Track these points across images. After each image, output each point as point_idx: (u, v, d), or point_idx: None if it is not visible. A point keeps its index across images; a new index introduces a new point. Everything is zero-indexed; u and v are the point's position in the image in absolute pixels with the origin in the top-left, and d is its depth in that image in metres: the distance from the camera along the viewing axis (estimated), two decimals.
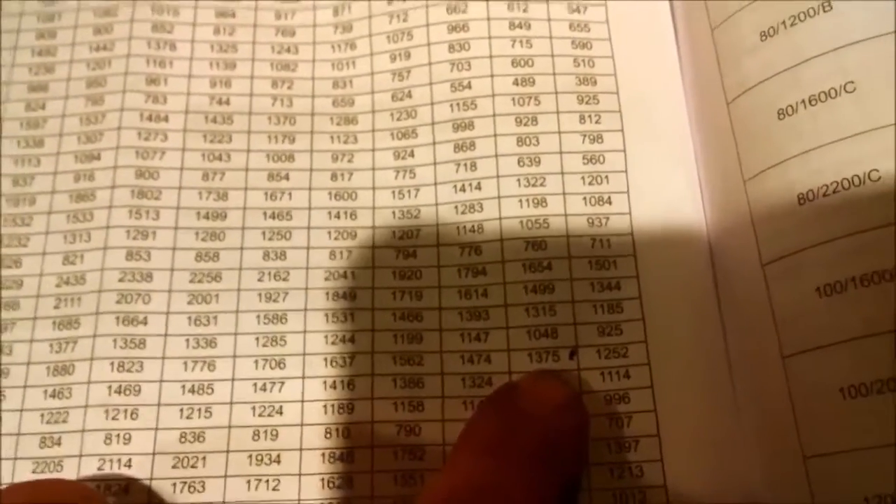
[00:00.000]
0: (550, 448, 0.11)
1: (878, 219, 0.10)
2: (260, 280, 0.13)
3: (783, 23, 0.12)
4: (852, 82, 0.11)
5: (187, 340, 0.13)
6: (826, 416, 0.11)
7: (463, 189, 0.14)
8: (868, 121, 0.11)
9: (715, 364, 0.13)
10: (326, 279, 0.13)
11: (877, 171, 0.11)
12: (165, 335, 0.13)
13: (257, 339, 0.13)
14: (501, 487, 0.10)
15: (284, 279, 0.13)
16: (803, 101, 0.11)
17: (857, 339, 0.10)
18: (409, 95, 0.15)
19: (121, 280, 0.13)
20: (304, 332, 0.13)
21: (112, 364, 0.13)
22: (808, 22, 0.12)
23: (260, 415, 0.13)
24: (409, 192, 0.14)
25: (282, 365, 0.13)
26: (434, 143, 0.14)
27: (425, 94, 0.15)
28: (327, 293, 0.13)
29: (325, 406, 0.13)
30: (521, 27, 0.15)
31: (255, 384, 0.13)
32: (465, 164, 0.14)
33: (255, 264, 0.14)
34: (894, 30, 0.11)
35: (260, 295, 0.13)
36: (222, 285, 0.13)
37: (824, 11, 0.12)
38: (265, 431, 0.12)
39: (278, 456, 0.12)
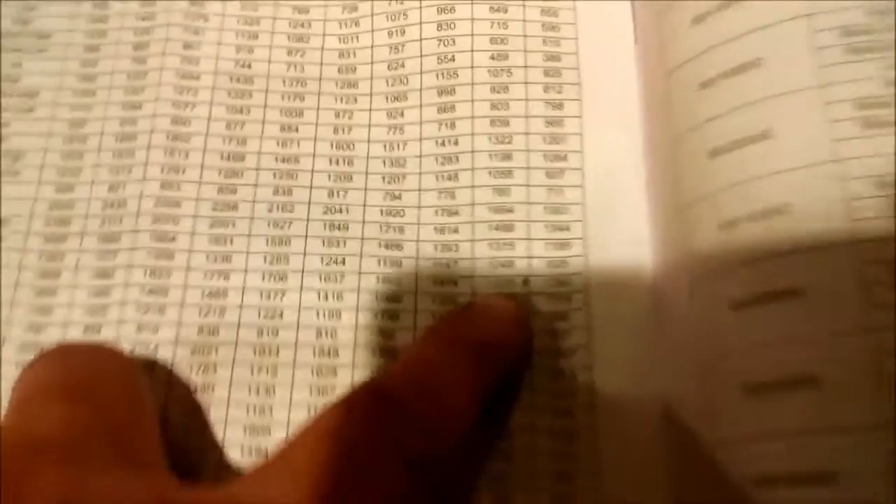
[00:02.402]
0: (495, 345, 0.14)
1: (788, 246, 0.12)
2: (269, 211, 0.16)
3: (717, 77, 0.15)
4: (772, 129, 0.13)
5: (207, 256, 0.16)
6: (731, 408, 0.13)
7: (443, 144, 0.17)
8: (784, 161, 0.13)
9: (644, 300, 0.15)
10: (325, 213, 0.16)
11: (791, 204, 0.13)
12: (190, 251, 0.16)
13: (265, 257, 0.16)
14: (451, 367, 0.13)
15: (290, 211, 0.16)
16: (731, 143, 0.13)
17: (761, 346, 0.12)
18: (402, 66, 0.17)
19: (155, 206, 0.16)
20: (304, 253, 0.16)
21: (145, 271, 0.16)
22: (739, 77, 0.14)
23: (264, 317, 0.15)
24: (398, 145, 0.17)
25: (284, 279, 0.16)
26: (421, 106, 0.17)
27: (416, 64, 0.17)
28: (325, 224, 0.16)
29: (317, 312, 0.15)
30: (499, 11, 0.17)
31: (260, 293, 0.15)
32: (446, 124, 0.17)
33: (266, 199, 0.16)
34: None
35: (269, 223, 0.16)
36: (238, 214, 0.16)
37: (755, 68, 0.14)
38: (267, 329, 0.15)
39: (277, 349, 0.15)
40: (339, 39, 0.18)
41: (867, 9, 0.13)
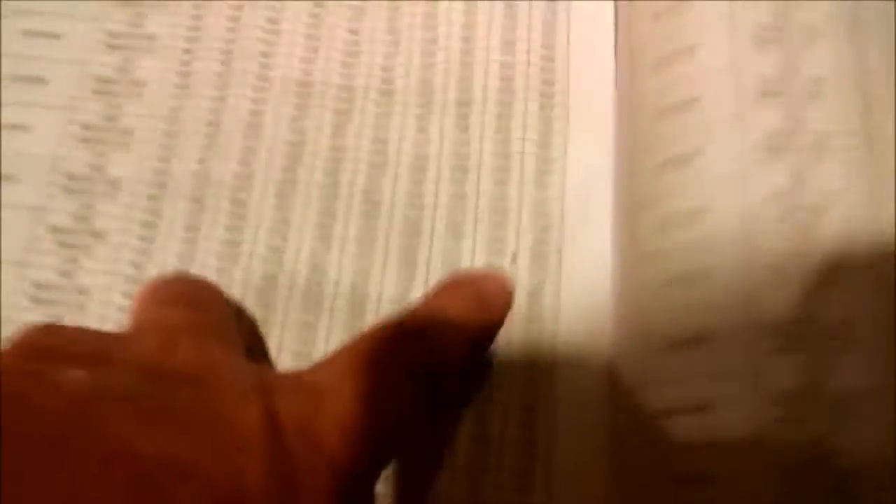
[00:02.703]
0: (489, 301, 0.18)
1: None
2: (321, 189, 0.21)
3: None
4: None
5: (271, 220, 0.21)
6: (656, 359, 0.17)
7: (463, 144, 0.21)
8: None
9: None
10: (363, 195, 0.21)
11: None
12: (258, 215, 0.21)
13: (316, 224, 0.21)
14: (454, 312, 0.17)
15: (335, 189, 0.21)
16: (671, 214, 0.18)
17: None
18: (432, 80, 0.22)
19: (233, 179, 0.21)
20: (345, 224, 0.21)
21: (225, 228, 0.20)
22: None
23: (311, 270, 0.20)
24: (425, 141, 0.21)
25: (329, 241, 0.20)
26: (444, 112, 0.22)
27: (442, 79, 0.22)
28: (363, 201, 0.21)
29: (352, 271, 0.20)
30: (509, 44, 0.22)
31: (310, 251, 0.20)
32: (461, 126, 0.21)
33: (318, 180, 0.21)
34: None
35: (319, 199, 0.21)
36: (296, 190, 0.21)
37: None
38: (314, 280, 0.20)
39: (321, 296, 0.20)
40: (383, 57, 0.22)
41: None
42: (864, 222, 0.16)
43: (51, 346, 0.13)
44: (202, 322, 0.16)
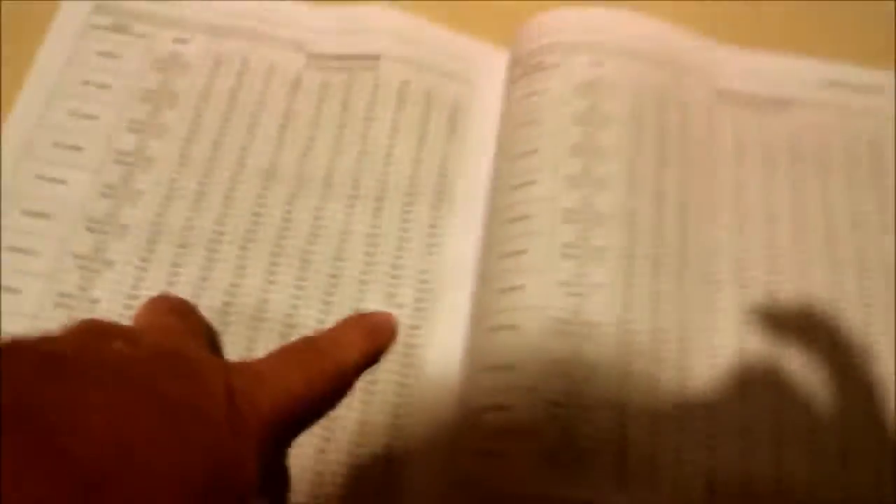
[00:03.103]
0: (380, 331, 0.27)
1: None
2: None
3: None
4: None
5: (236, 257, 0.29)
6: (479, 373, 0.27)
7: (377, 225, 0.30)
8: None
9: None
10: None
11: (514, 323, 0.27)
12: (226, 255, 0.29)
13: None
14: (352, 336, 0.26)
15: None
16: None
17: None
18: (359, 179, 0.31)
19: (247, 228, 0.30)
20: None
21: (199, 265, 0.29)
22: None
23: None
24: (351, 220, 0.31)
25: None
26: (365, 202, 0.31)
27: (367, 179, 0.31)
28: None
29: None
30: (415, 158, 0.32)
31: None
32: (377, 213, 0.31)
33: (272, 240, 0.30)
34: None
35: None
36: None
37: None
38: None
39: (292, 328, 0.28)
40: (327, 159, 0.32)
41: None
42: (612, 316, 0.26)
43: (100, 327, 0.21)
44: (186, 326, 0.24)
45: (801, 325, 0.29)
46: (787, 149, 0.33)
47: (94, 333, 0.21)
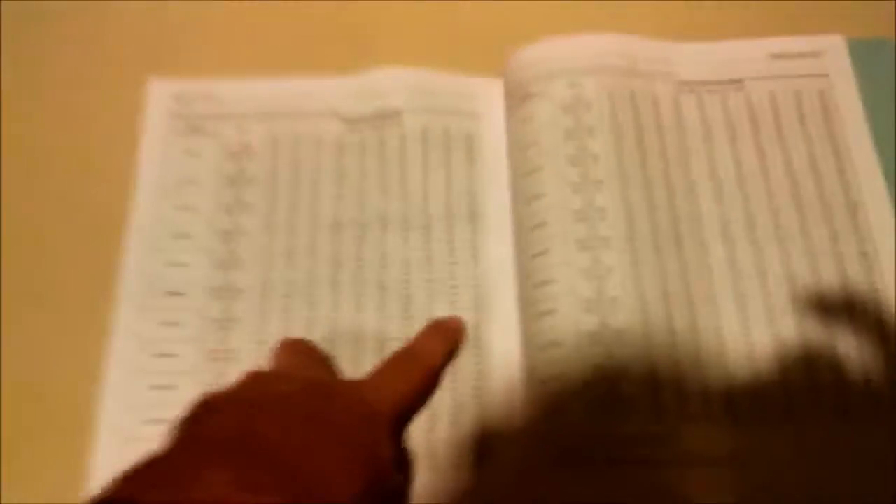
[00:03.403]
0: (454, 334, 0.35)
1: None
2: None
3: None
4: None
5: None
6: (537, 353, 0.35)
7: (428, 249, 0.38)
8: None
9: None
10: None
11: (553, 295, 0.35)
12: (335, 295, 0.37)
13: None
14: (433, 341, 0.34)
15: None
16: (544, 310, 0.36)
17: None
18: (407, 214, 0.39)
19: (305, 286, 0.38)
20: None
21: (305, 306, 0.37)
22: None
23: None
24: (409, 248, 0.39)
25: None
26: (418, 231, 0.39)
27: (416, 213, 0.39)
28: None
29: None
30: (447, 189, 0.40)
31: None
32: (426, 238, 0.39)
33: (351, 280, 0.38)
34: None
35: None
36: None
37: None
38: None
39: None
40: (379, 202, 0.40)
41: None
42: (630, 290, 0.34)
43: (264, 376, 0.29)
44: (313, 360, 0.32)
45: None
46: (748, 120, 0.40)
47: (262, 381, 0.29)
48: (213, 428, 0.25)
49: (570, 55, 0.40)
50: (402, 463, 0.33)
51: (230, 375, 0.35)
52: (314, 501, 0.22)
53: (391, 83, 0.42)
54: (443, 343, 0.35)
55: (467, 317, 0.37)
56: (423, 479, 0.33)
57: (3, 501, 0.32)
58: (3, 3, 0.45)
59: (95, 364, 0.36)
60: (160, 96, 0.42)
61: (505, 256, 0.38)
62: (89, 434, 0.35)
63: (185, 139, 0.41)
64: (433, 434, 0.34)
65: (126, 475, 0.21)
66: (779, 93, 0.41)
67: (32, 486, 0.31)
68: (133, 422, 0.34)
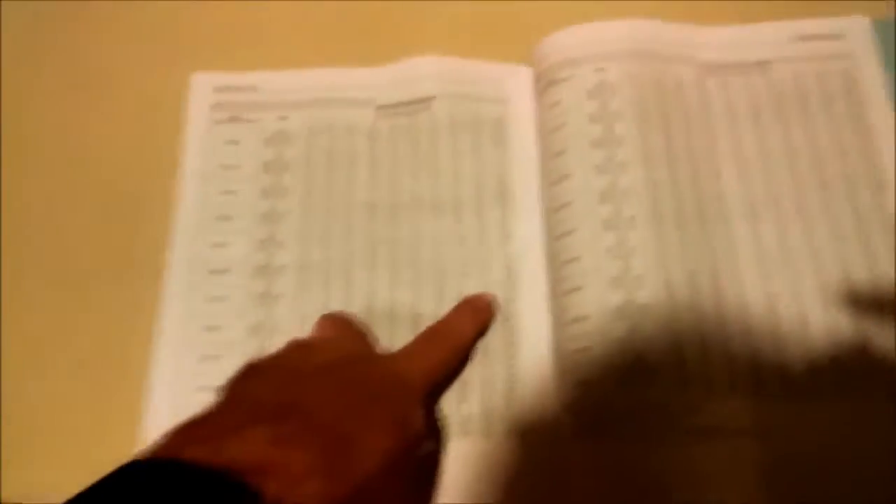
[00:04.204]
0: (485, 311, 0.37)
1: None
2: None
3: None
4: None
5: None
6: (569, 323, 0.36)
7: (459, 229, 0.40)
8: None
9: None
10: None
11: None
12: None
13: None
14: (464, 319, 0.36)
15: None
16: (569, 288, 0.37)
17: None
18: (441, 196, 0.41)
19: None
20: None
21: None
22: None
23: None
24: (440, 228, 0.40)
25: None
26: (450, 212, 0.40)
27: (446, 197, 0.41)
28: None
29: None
30: (477, 171, 0.41)
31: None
32: (457, 219, 0.40)
33: (387, 261, 0.39)
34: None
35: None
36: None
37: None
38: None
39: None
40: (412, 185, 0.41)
41: None
42: (654, 265, 0.35)
43: (305, 344, 0.31)
44: (353, 332, 0.34)
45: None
46: (773, 101, 0.41)
47: (304, 349, 0.31)
48: (255, 390, 0.27)
49: (595, 41, 0.41)
50: (434, 431, 0.35)
51: (272, 348, 0.37)
52: (347, 460, 0.24)
53: (423, 72, 0.43)
54: (473, 319, 0.36)
55: (497, 294, 0.38)
56: (455, 449, 0.35)
57: (63, 464, 0.34)
58: None
59: (147, 338, 0.38)
60: (202, 89, 0.44)
61: (533, 236, 0.39)
62: (142, 402, 0.37)
63: (225, 128, 0.43)
64: (465, 406, 0.36)
65: (171, 432, 0.23)
66: (803, 74, 0.42)
67: (90, 450, 0.33)
68: (182, 390, 0.37)
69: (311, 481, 0.22)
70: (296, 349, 0.31)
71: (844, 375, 0.35)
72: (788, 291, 0.36)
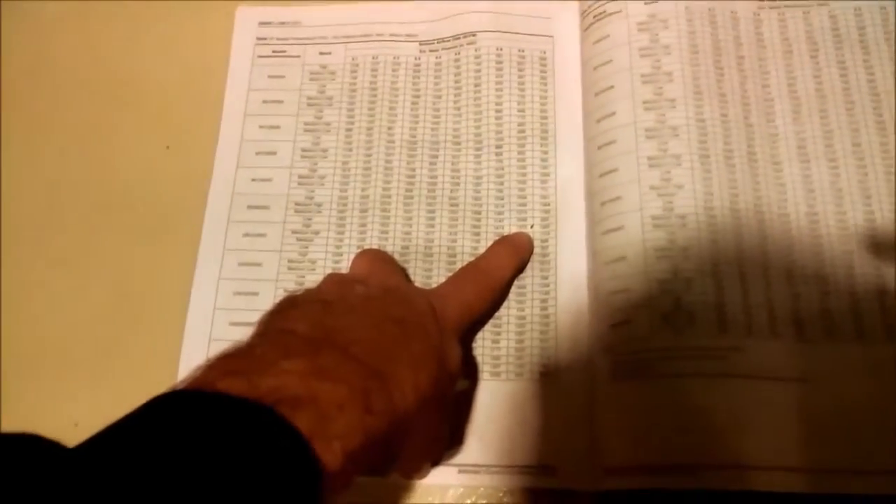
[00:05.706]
0: (522, 248, 0.37)
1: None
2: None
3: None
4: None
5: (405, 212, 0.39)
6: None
7: (499, 168, 0.39)
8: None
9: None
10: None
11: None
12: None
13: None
14: (501, 256, 0.36)
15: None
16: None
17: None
18: (480, 134, 0.40)
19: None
20: None
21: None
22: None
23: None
24: (479, 168, 0.40)
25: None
26: (488, 151, 0.40)
27: (486, 134, 0.40)
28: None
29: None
30: (520, 109, 0.40)
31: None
32: (498, 157, 0.40)
33: (425, 195, 0.39)
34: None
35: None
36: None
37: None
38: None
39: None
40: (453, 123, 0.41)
41: None
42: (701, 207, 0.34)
43: (343, 278, 0.32)
44: (389, 268, 0.34)
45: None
46: (831, 35, 0.39)
47: (341, 283, 0.31)
48: (292, 323, 0.27)
49: None
50: (466, 369, 0.35)
51: (308, 284, 0.38)
52: (382, 394, 0.24)
53: (467, 6, 0.42)
54: (510, 258, 0.36)
55: (535, 233, 0.38)
56: (487, 388, 0.35)
57: (102, 395, 0.36)
58: None
59: (187, 271, 0.39)
60: (246, 22, 0.44)
61: (574, 175, 0.39)
62: (180, 335, 0.38)
63: (269, 62, 0.43)
64: (499, 344, 0.36)
65: (207, 364, 0.23)
66: (864, 8, 0.39)
67: (129, 381, 0.33)
68: (218, 324, 0.38)
69: (346, 415, 0.22)
70: (333, 284, 0.31)
71: (890, 320, 0.34)
72: (836, 235, 0.35)
